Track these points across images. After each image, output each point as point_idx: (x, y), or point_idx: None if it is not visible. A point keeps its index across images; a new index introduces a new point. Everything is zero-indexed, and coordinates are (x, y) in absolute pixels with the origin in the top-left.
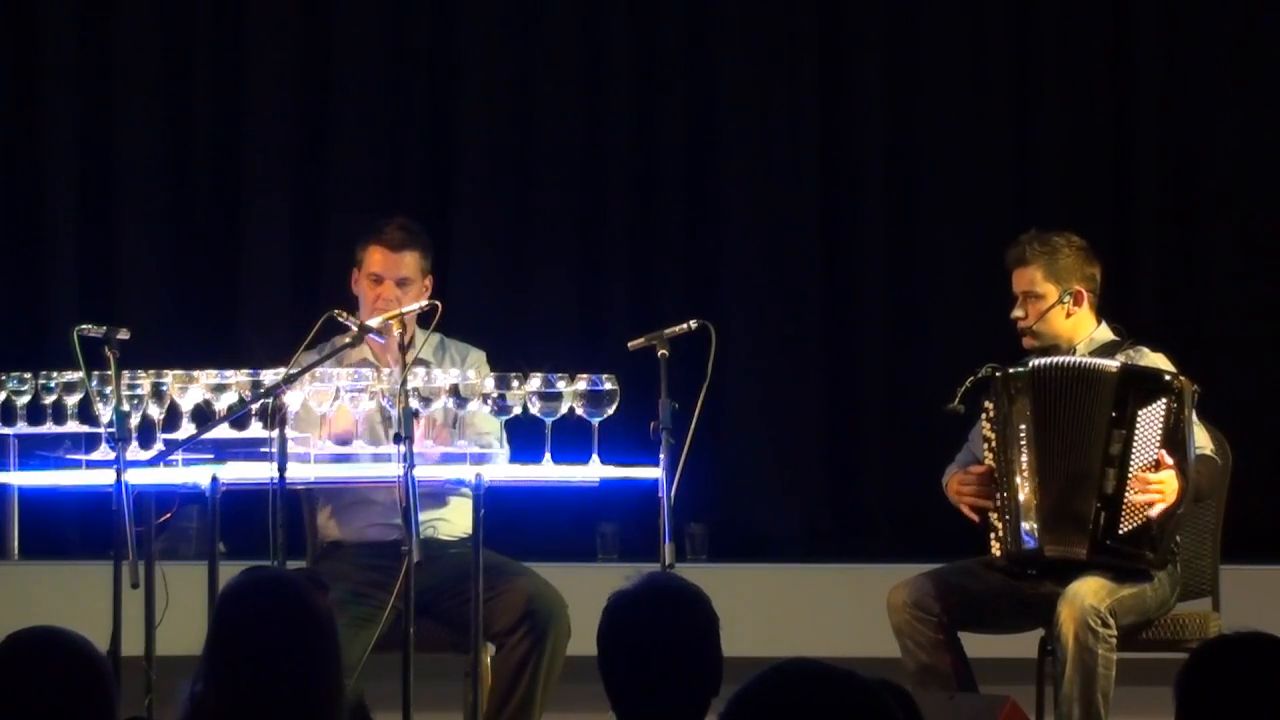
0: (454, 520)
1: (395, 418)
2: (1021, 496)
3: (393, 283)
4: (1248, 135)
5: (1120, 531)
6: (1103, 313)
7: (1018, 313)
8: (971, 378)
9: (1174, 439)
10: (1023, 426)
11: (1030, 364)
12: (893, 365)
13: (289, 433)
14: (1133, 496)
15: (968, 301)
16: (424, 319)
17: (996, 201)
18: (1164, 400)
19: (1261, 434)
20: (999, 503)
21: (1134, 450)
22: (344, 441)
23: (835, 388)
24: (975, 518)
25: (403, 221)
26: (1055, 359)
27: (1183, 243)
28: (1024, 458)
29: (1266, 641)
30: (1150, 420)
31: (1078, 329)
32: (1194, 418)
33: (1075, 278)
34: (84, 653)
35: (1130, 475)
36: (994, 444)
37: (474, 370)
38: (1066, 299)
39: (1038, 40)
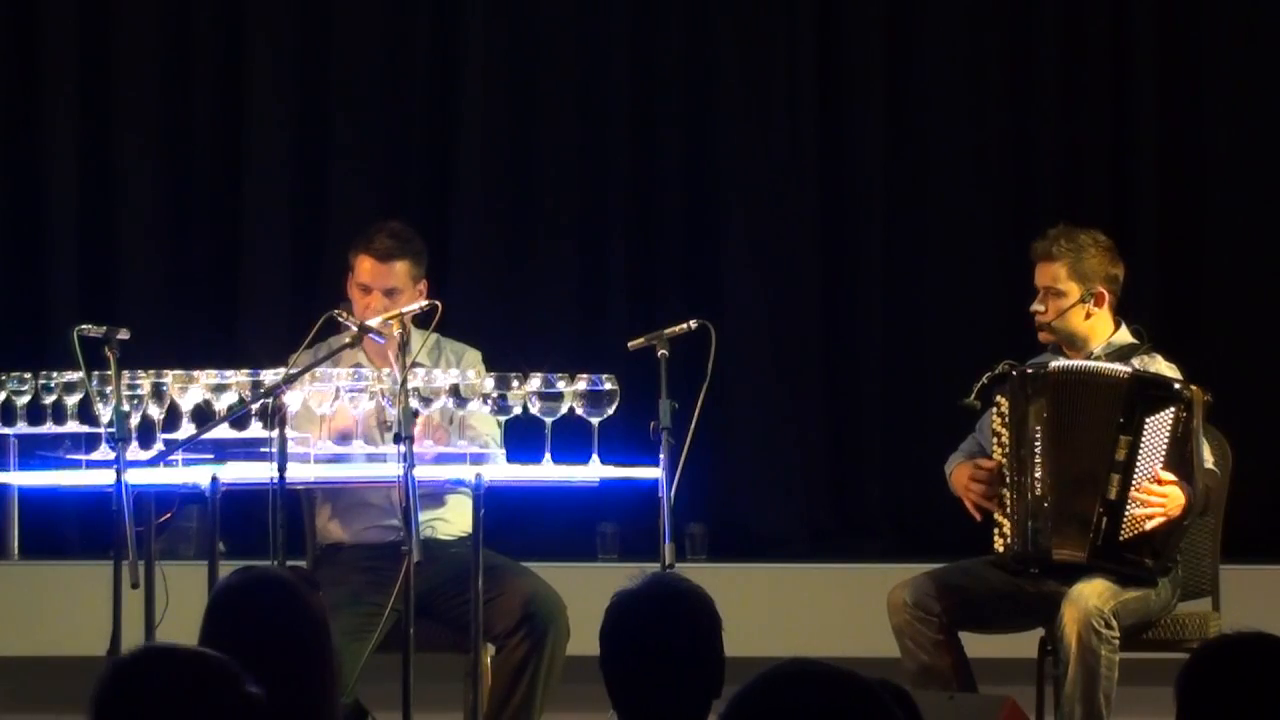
0: (452, 520)
1: (395, 417)
2: (1030, 497)
3: (380, 293)
4: (1248, 135)
5: (1121, 538)
6: (1121, 314)
7: (1038, 307)
8: (988, 374)
9: (1182, 449)
10: (1038, 427)
11: (1050, 366)
12: (892, 365)
13: (289, 433)
14: (1134, 510)
15: (968, 301)
16: (424, 319)
17: (997, 201)
18: (1173, 409)
19: (1261, 434)
20: (1006, 500)
21: (1139, 458)
22: (345, 437)
23: (835, 387)
24: (978, 516)
25: (393, 228)
26: (1074, 363)
27: (1183, 243)
28: (1036, 458)
29: (1266, 641)
30: (1158, 429)
31: (1095, 330)
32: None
33: (1099, 278)
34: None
35: (1134, 483)
36: (1005, 440)
37: (473, 370)
38: (1088, 299)
39: (1038, 40)
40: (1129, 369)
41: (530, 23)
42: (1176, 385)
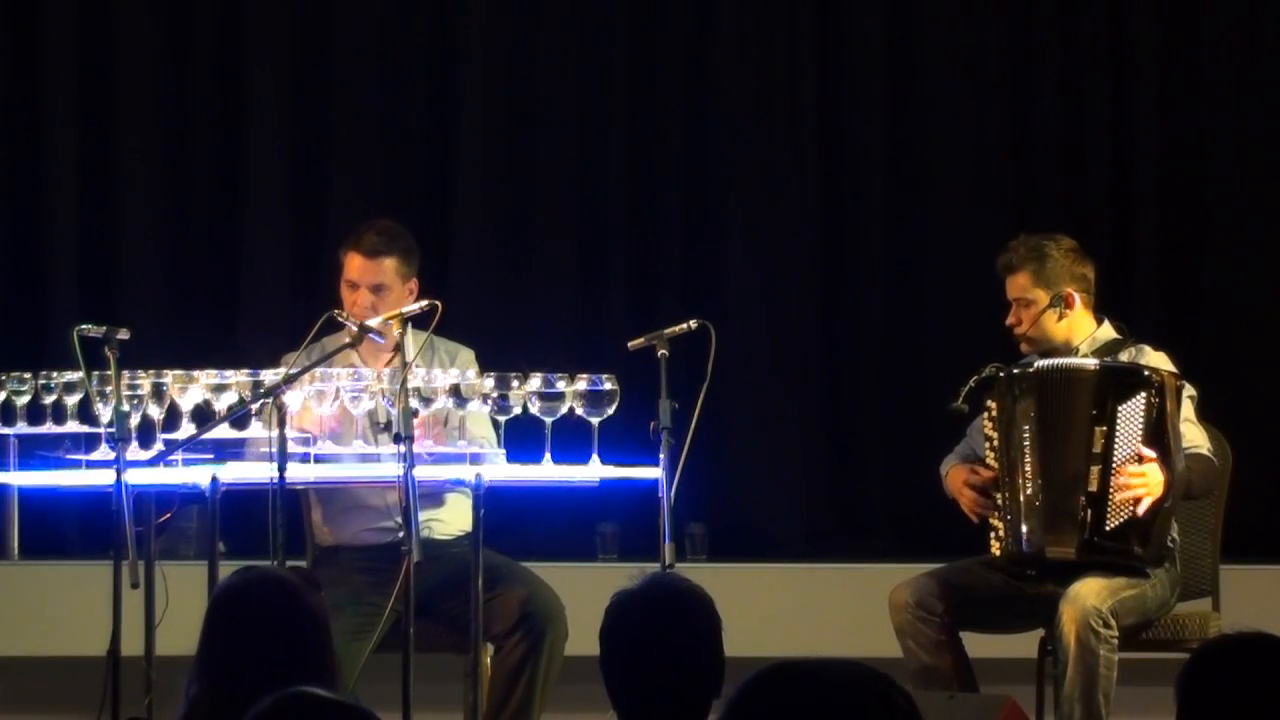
0: (449, 520)
1: (391, 417)
2: (1022, 497)
3: (367, 289)
4: (1248, 135)
5: (1107, 528)
6: (1104, 311)
7: (1011, 320)
8: (975, 377)
9: (1157, 432)
10: (1026, 427)
11: (1035, 365)
12: (892, 365)
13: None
14: (1116, 496)
15: (967, 301)
16: (423, 319)
17: (996, 201)
18: (1143, 394)
19: (1261, 434)
20: (1000, 502)
21: (1116, 446)
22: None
23: (835, 387)
24: (974, 518)
25: (381, 226)
26: (1056, 360)
27: (1183, 243)
28: (1026, 459)
29: (1266, 641)
30: (1130, 415)
31: (1073, 331)
32: (1191, 415)
33: (1065, 280)
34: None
35: (1113, 470)
36: (996, 443)
37: (472, 370)
38: (1058, 303)
39: (1038, 39)
40: (1097, 361)
41: (530, 23)
42: (1146, 372)
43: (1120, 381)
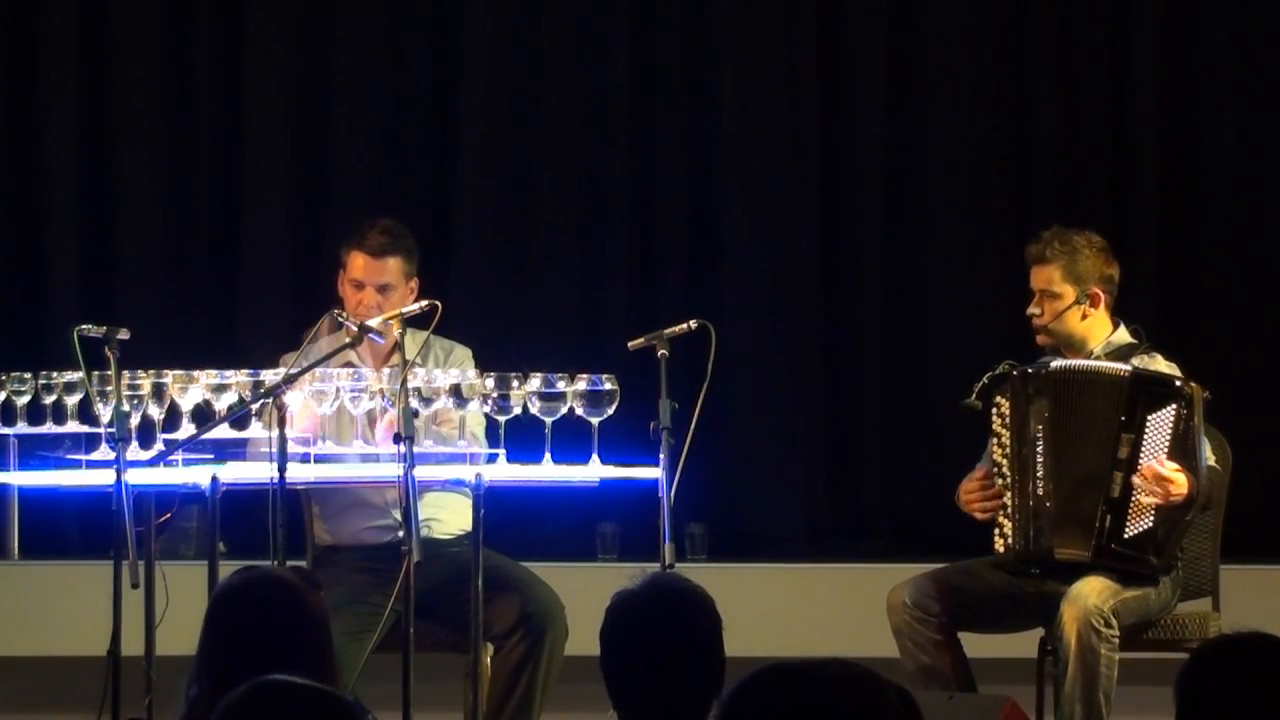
0: (448, 520)
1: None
2: (1032, 498)
3: (374, 289)
4: (1248, 135)
5: (1125, 535)
6: (1120, 314)
7: (1034, 310)
8: (989, 374)
9: (1183, 445)
10: (1039, 427)
11: (1051, 365)
12: (892, 365)
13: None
14: (1140, 497)
15: (967, 301)
16: (423, 319)
17: (996, 201)
18: (1174, 406)
19: (1261, 434)
20: (1006, 500)
21: (1142, 455)
22: (304, 443)
23: (835, 388)
24: (984, 517)
25: (386, 225)
26: (1074, 362)
27: (1183, 243)
28: (1038, 458)
29: (1266, 641)
30: (1159, 425)
31: (1092, 331)
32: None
33: (1094, 280)
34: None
35: (1139, 470)
36: (1004, 440)
37: (472, 370)
38: (1083, 301)
39: (1038, 39)
40: (1129, 367)
41: (530, 23)
42: (1177, 382)
43: (1152, 390)
